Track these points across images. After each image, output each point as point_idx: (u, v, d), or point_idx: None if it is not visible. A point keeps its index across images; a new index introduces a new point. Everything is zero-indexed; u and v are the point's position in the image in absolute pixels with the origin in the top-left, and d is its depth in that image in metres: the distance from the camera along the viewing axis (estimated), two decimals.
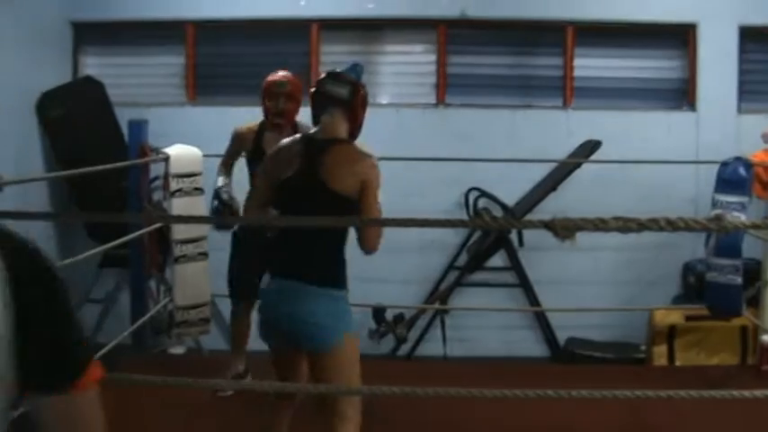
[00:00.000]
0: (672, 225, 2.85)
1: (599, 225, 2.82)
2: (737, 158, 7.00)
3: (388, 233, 6.21)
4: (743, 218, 6.68)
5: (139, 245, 7.30)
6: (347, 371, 4.10)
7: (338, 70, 4.34)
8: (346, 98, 4.21)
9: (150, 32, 9.17)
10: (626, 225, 2.81)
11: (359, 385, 4.14)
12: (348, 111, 4.22)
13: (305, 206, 4.07)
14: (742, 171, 6.88)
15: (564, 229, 2.75)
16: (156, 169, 7.48)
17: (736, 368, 7.74)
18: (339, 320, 4.07)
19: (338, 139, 4.20)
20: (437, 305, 8.49)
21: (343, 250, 4.17)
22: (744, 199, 6.83)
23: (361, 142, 4.35)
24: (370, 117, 8.55)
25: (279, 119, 5.82)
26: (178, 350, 8.01)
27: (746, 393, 3.30)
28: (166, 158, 6.99)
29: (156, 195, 7.72)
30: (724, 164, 7.04)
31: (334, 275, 4.14)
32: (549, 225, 2.85)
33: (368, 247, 4.11)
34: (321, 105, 4.28)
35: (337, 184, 4.04)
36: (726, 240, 6.80)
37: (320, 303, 4.04)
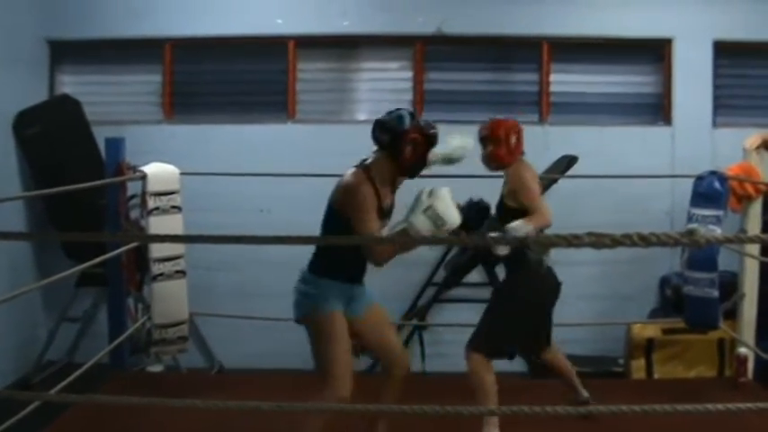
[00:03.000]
0: (645, 240, 2.86)
1: (572, 241, 2.83)
2: (712, 172, 7.04)
3: None
4: (718, 231, 6.71)
5: (117, 263, 7.26)
6: (315, 342, 4.87)
7: (382, 118, 5.02)
8: (386, 143, 4.89)
9: (127, 51, 9.14)
10: (599, 241, 2.83)
11: (329, 357, 4.76)
12: (390, 152, 4.89)
13: None
14: (717, 185, 6.91)
15: (537, 245, 2.77)
16: (134, 187, 7.45)
17: (713, 381, 7.77)
18: (303, 300, 4.90)
19: (358, 165, 4.92)
20: (415, 321, 8.50)
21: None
22: (719, 212, 6.87)
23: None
24: (348, 134, 8.60)
25: (486, 163, 5.84)
26: (156, 368, 7.99)
27: (720, 407, 3.31)
28: (143, 177, 6.97)
29: (134, 213, 7.70)
30: (699, 178, 7.08)
31: (313, 263, 4.95)
32: (523, 241, 2.86)
33: (371, 261, 4.84)
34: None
35: (331, 198, 4.89)
36: (702, 254, 6.83)
37: (299, 283, 4.94)
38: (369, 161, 4.90)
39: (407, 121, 4.89)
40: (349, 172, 4.85)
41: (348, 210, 4.74)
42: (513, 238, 3.12)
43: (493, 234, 5.23)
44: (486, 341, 5.67)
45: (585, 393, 6.10)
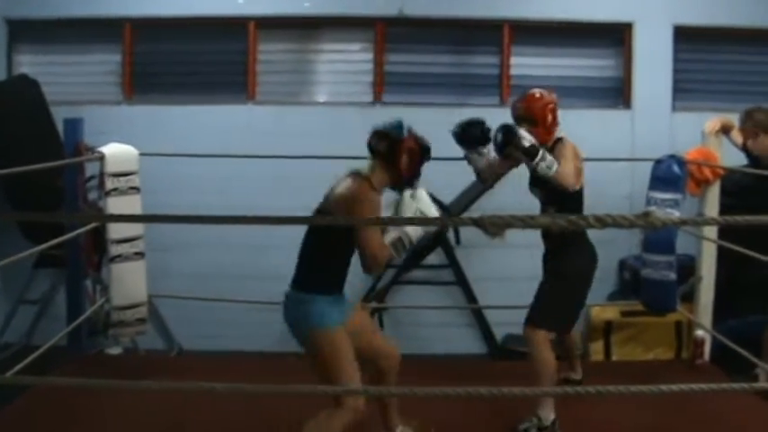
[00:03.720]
0: (600, 222, 2.88)
1: (528, 222, 2.84)
2: (671, 156, 7.08)
3: None
4: (677, 215, 6.76)
5: (75, 245, 7.21)
6: (319, 361, 4.63)
7: (379, 126, 4.85)
8: (384, 152, 4.77)
9: (87, 30, 9.06)
10: (555, 222, 2.84)
11: (338, 374, 4.53)
12: (385, 162, 4.78)
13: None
14: (676, 168, 6.95)
15: (493, 225, 2.77)
16: (92, 168, 7.39)
17: (670, 362, 7.83)
18: (301, 320, 4.65)
19: (354, 173, 4.77)
20: (375, 303, 8.49)
21: (319, 257, 4.73)
22: (677, 196, 6.91)
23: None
24: (308, 115, 8.56)
25: None
26: (115, 351, 7.96)
27: (675, 388, 3.34)
28: (102, 157, 6.90)
29: (92, 195, 7.64)
30: (658, 161, 7.12)
31: (302, 281, 4.73)
32: (478, 222, 2.87)
33: (366, 268, 4.69)
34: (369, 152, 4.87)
35: (331, 207, 4.68)
36: (659, 237, 6.89)
37: (290, 307, 4.71)
38: (365, 170, 4.78)
39: (404, 129, 4.82)
40: (348, 180, 4.73)
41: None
42: (472, 218, 3.12)
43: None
44: (549, 316, 5.66)
45: (580, 375, 6.39)
